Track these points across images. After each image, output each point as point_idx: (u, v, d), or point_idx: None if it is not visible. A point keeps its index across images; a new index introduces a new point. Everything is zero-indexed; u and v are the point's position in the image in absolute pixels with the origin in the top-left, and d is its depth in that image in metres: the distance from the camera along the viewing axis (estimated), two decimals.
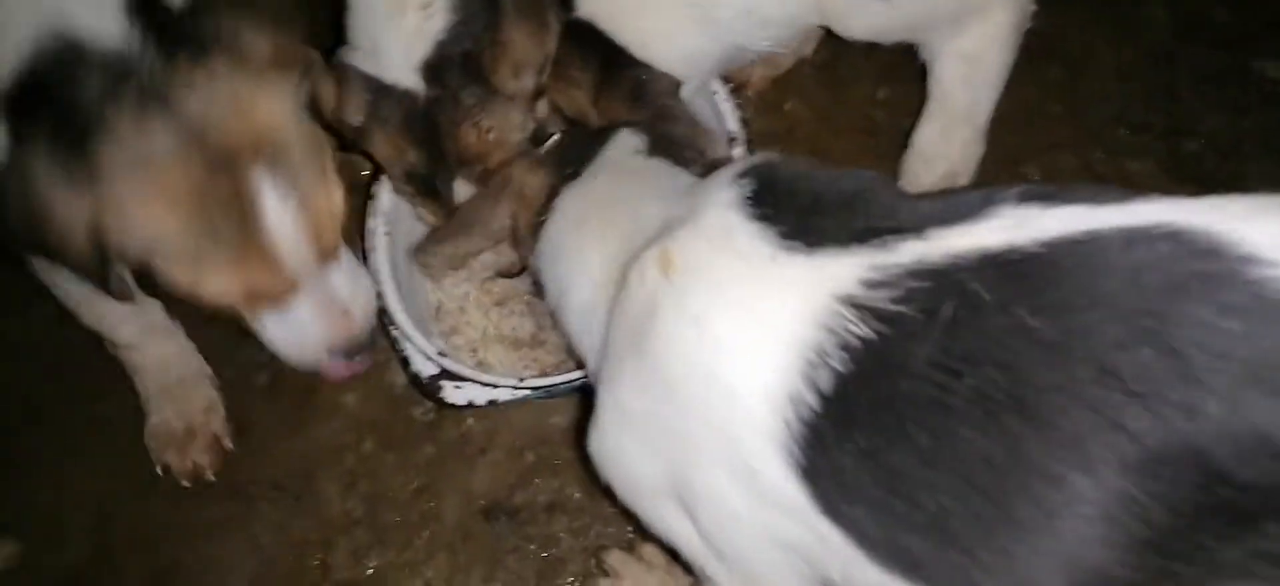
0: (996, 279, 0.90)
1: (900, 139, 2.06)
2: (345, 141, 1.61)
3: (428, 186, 1.61)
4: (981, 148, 1.91)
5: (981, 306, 0.90)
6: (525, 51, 1.53)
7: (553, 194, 1.41)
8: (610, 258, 1.29)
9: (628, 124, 1.48)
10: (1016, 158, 2.11)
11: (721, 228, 1.10)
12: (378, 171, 1.77)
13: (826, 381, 0.97)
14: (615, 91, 1.59)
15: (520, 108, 1.57)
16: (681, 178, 1.39)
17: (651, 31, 1.60)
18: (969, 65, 1.77)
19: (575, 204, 1.39)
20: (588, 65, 1.60)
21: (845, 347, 0.96)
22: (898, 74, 2.16)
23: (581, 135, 1.53)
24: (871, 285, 0.96)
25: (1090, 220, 0.90)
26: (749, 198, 1.11)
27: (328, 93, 1.47)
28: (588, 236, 1.34)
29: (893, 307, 0.94)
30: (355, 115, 1.53)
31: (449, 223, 1.56)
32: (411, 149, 1.55)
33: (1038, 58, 2.13)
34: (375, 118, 1.53)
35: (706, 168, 1.42)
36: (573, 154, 1.45)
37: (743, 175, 1.15)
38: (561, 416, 1.91)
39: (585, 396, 1.71)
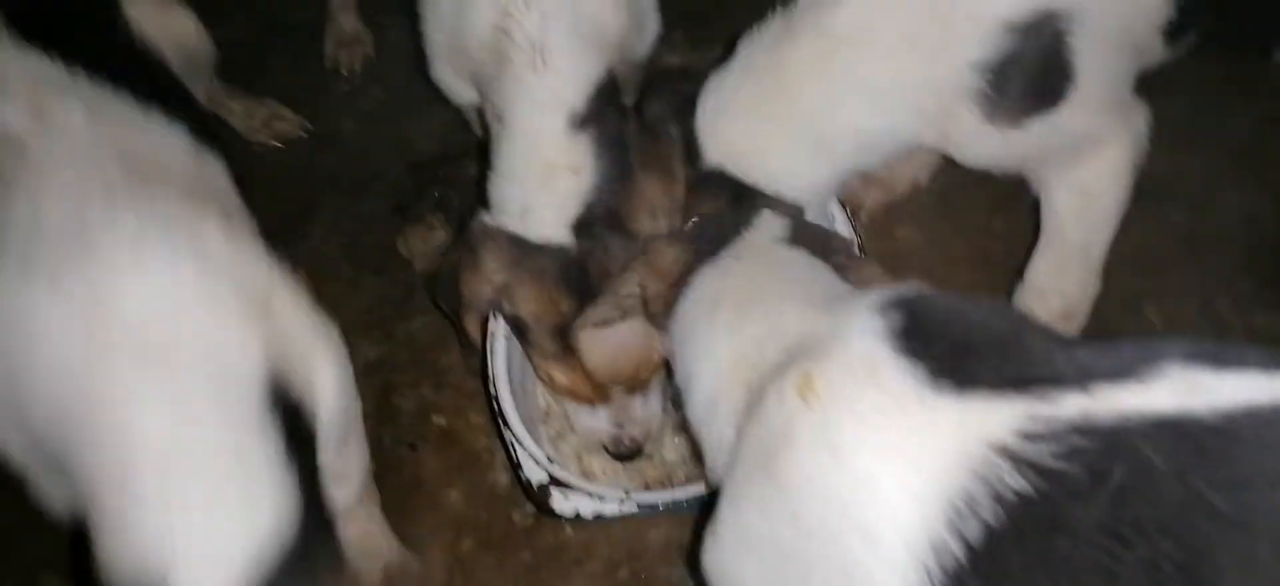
0: (1171, 446, 0.87)
1: (1015, 272, 2.03)
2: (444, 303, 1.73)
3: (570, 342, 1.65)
4: (1097, 286, 1.87)
5: (1154, 473, 0.86)
6: (657, 198, 1.61)
7: (688, 270, 1.42)
8: (740, 353, 1.29)
9: (772, 206, 1.51)
10: (1137, 300, 2.06)
11: (867, 359, 1.08)
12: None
13: (975, 532, 0.93)
14: (718, 190, 1.65)
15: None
16: (822, 276, 1.39)
17: (777, 169, 1.65)
18: (1083, 199, 1.75)
19: (711, 285, 1.39)
20: (719, 201, 1.66)
21: (998, 499, 0.92)
22: (1013, 205, 2.14)
23: (724, 216, 1.56)
24: (1030, 437, 0.93)
25: (1268, 390, 0.87)
26: (897, 331, 1.09)
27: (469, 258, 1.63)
28: (719, 324, 1.34)
29: (1054, 463, 0.90)
30: (497, 274, 1.62)
31: (599, 300, 1.58)
32: (565, 299, 1.61)
33: (1158, 198, 2.11)
34: (523, 274, 1.61)
35: (845, 266, 1.43)
36: (713, 233, 1.47)
37: (890, 305, 1.13)
38: (658, 531, 1.89)
39: (689, 514, 1.70)
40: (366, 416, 2.05)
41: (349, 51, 2.66)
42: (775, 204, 1.62)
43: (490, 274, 1.62)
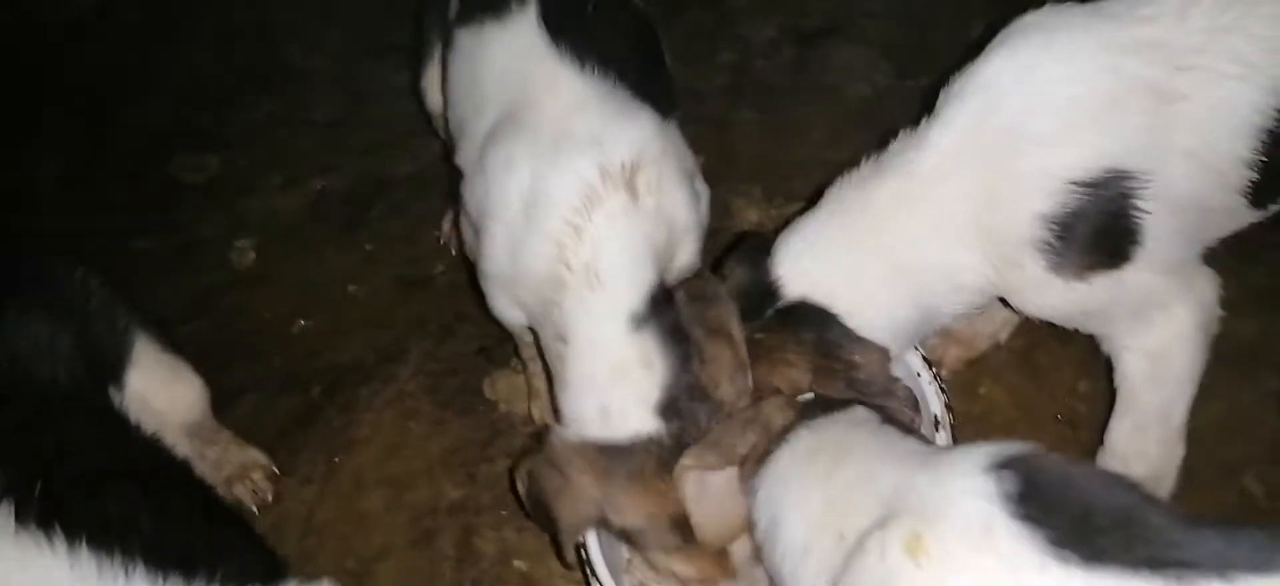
0: None
1: (1102, 434, 2.00)
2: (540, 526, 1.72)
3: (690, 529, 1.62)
4: (1181, 450, 1.83)
5: None
6: (730, 362, 1.64)
7: (794, 429, 1.45)
8: (831, 501, 1.30)
9: (861, 403, 1.54)
10: (1234, 468, 2.01)
11: (980, 522, 1.07)
12: None
13: None
14: (832, 380, 1.65)
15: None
16: (913, 444, 1.40)
17: (861, 298, 1.68)
18: (1152, 363, 1.75)
19: (807, 440, 1.42)
20: (803, 348, 1.68)
21: None
22: (1099, 368, 2.13)
23: (819, 400, 1.58)
24: None
25: None
26: (1012, 494, 1.08)
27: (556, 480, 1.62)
28: (814, 473, 1.36)
29: None
30: (593, 489, 1.61)
31: (703, 440, 1.59)
32: (673, 487, 1.59)
33: (1250, 363, 2.08)
34: (621, 480, 1.61)
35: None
36: (816, 407, 1.50)
37: (1002, 466, 1.12)
38: None
39: None
40: (446, 558, 2.10)
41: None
42: (863, 352, 1.64)
43: (586, 491, 1.61)
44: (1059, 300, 1.65)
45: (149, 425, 1.69)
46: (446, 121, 2.14)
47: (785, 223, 2.56)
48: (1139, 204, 1.55)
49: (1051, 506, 1.06)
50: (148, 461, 1.60)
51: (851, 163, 2.77)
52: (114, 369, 1.74)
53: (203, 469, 2.15)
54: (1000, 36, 1.64)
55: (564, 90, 1.78)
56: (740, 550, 1.64)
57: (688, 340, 1.65)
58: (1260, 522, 1.01)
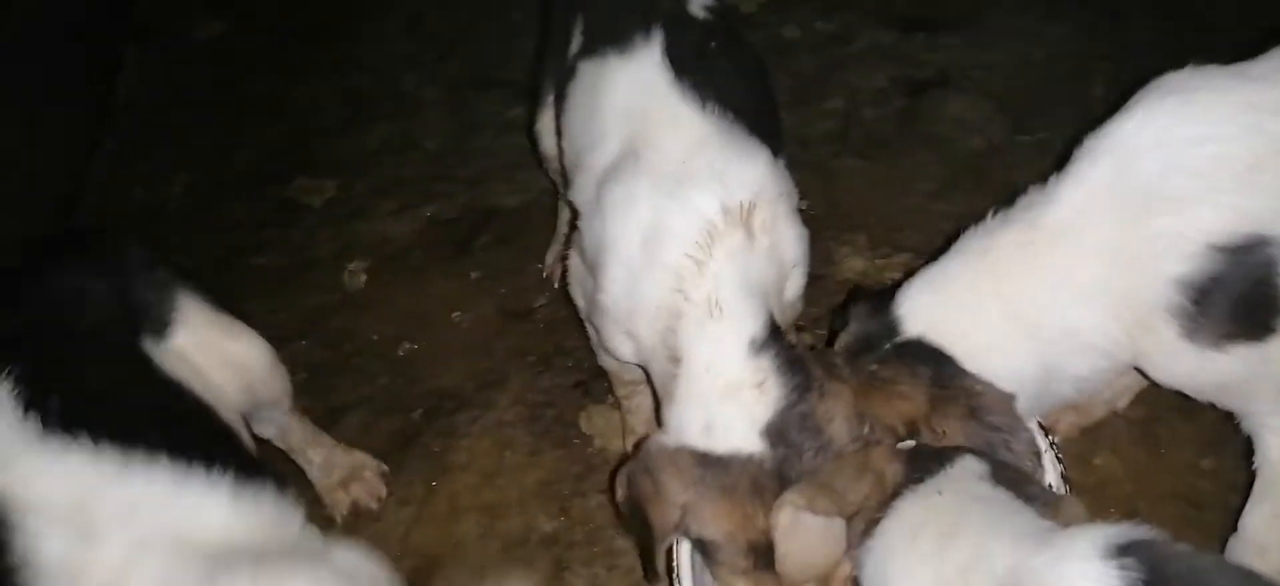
0: None
1: (1227, 517, 1.89)
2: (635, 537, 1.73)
3: (769, 556, 1.58)
4: None
5: None
6: (850, 404, 1.62)
7: (903, 491, 1.41)
8: (943, 581, 1.27)
9: (971, 451, 1.49)
10: None
11: None
12: None
13: None
14: (951, 407, 1.62)
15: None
16: (1027, 517, 1.34)
17: (980, 344, 1.64)
18: None
19: (914, 511, 1.38)
20: (918, 380, 1.65)
21: None
22: (1225, 443, 2.03)
23: (926, 450, 1.54)
24: None
25: None
26: (1133, 583, 1.06)
27: (647, 484, 1.63)
28: (921, 549, 1.32)
29: None
30: (681, 494, 1.60)
31: (813, 479, 1.55)
32: (760, 513, 1.57)
33: None
34: (710, 490, 1.60)
35: (1045, 505, 1.38)
36: (920, 462, 1.46)
37: (1122, 552, 1.09)
38: None
39: None
40: None
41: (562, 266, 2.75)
42: (985, 386, 1.61)
43: (673, 496, 1.60)
44: (1194, 369, 1.58)
45: (199, 385, 1.75)
46: (561, 160, 2.18)
47: (892, 272, 2.57)
48: None
49: None
50: (169, 401, 1.67)
51: (962, 215, 2.72)
52: (157, 324, 1.78)
53: (311, 473, 2.29)
54: (1138, 95, 1.60)
55: (685, 128, 1.80)
56: None
57: (805, 373, 1.64)
58: None
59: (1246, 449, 1.77)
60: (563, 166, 2.14)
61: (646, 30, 1.89)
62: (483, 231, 2.97)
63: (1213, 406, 1.71)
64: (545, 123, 2.38)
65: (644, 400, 2.18)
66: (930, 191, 2.84)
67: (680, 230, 1.70)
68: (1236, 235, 1.47)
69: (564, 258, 2.72)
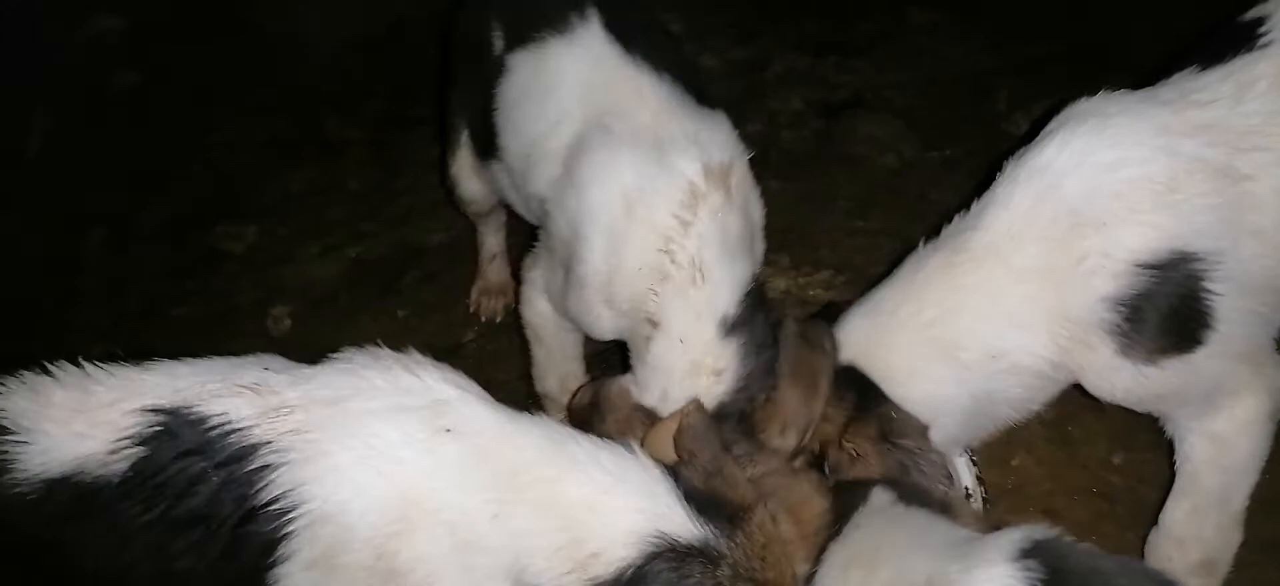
0: None
1: (1140, 509, 1.98)
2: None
3: None
4: (1239, 536, 1.80)
5: None
6: (794, 414, 1.67)
7: (831, 531, 1.47)
8: None
9: (878, 483, 1.55)
10: (1276, 546, 1.97)
11: None
12: None
13: None
14: (864, 428, 1.67)
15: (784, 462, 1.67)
16: (942, 528, 1.42)
17: (904, 370, 1.69)
18: (1218, 447, 1.72)
19: (842, 552, 1.43)
20: (841, 405, 1.70)
21: None
22: (1134, 440, 2.12)
23: (836, 492, 1.59)
24: None
25: None
26: (1033, 583, 1.11)
27: (596, 419, 1.72)
28: (851, 581, 1.38)
29: None
30: (619, 428, 1.71)
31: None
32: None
33: None
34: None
35: (954, 512, 1.44)
36: (847, 498, 1.52)
37: (1026, 556, 1.14)
38: None
39: None
40: None
41: (491, 301, 2.78)
42: (899, 412, 1.65)
43: (610, 433, 1.67)
44: (1131, 384, 1.64)
45: None
46: (500, 168, 2.15)
47: (814, 289, 2.63)
48: (1210, 286, 1.55)
49: None
50: None
51: (877, 232, 2.80)
52: None
53: None
54: (1055, 121, 1.66)
55: (649, 96, 1.86)
56: None
57: (771, 369, 1.71)
58: None
59: (1157, 442, 1.85)
60: (509, 169, 2.12)
61: (580, 10, 1.94)
62: (409, 270, 2.96)
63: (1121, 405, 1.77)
64: (461, 163, 2.40)
65: None
66: (848, 209, 2.91)
67: (665, 191, 1.75)
68: (1160, 252, 1.54)
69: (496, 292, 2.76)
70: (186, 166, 3.55)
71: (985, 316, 1.64)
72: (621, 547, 1.40)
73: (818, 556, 1.46)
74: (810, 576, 1.44)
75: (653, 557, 1.39)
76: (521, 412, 1.53)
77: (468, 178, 2.39)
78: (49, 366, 1.44)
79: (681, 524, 1.42)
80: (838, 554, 1.43)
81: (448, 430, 1.41)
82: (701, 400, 1.67)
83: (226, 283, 3.04)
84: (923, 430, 1.65)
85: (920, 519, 1.45)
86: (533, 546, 1.42)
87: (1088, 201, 1.57)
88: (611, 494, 1.43)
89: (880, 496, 1.51)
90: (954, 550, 1.30)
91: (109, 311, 2.90)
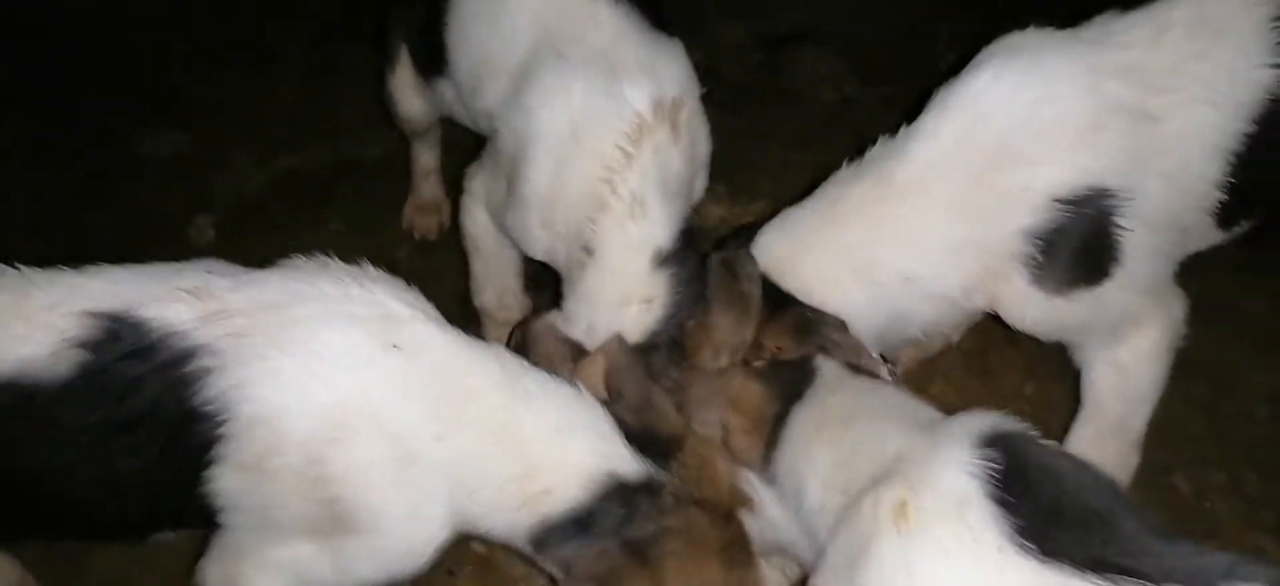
0: None
1: (1048, 435, 2.02)
2: None
3: None
4: (1136, 459, 1.92)
5: None
6: (726, 336, 1.70)
7: (776, 414, 1.53)
8: (840, 460, 1.41)
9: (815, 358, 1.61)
10: (1165, 469, 2.11)
11: (958, 495, 1.16)
12: None
13: None
14: (781, 323, 1.72)
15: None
16: (908, 401, 1.52)
17: (812, 277, 1.73)
18: (1121, 376, 1.82)
19: (812, 415, 1.51)
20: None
21: None
22: (1045, 370, 2.23)
23: (784, 366, 1.65)
24: None
25: None
26: (992, 473, 1.17)
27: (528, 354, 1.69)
28: (822, 441, 1.46)
29: None
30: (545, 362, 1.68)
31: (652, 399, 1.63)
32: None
33: (1181, 373, 2.17)
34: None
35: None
36: (786, 378, 1.57)
37: (991, 444, 1.20)
38: None
39: None
40: None
41: (425, 219, 2.75)
42: (816, 311, 1.70)
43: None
44: (1041, 314, 1.71)
45: None
46: (447, 83, 2.12)
47: (749, 219, 2.66)
48: (1119, 222, 1.61)
49: (1027, 492, 1.14)
50: None
51: (815, 164, 2.83)
52: None
53: None
54: (984, 55, 1.70)
55: (605, 22, 1.84)
56: None
57: (700, 297, 1.73)
58: (1196, 524, 1.08)
59: (1065, 372, 1.94)
60: (456, 85, 2.09)
61: None
62: (342, 183, 2.91)
63: (1033, 337, 1.85)
64: (400, 79, 2.35)
65: None
66: (788, 142, 2.94)
67: (612, 120, 1.74)
68: (1077, 189, 1.59)
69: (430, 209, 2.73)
70: (110, 64, 3.39)
71: (903, 243, 1.69)
72: (574, 486, 1.45)
73: (771, 438, 1.52)
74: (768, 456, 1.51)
75: (602, 497, 1.44)
76: (474, 338, 1.54)
77: (407, 94, 2.35)
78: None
79: (627, 461, 1.47)
80: (805, 417, 1.50)
81: (396, 347, 1.41)
82: (629, 330, 1.69)
83: (152, 190, 2.94)
84: (839, 323, 1.69)
85: (883, 389, 1.53)
86: (481, 474, 1.45)
87: (1013, 136, 1.62)
88: (564, 431, 1.47)
89: (828, 366, 1.58)
90: (920, 426, 1.38)
91: (20, 213, 2.79)
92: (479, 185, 2.07)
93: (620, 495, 1.45)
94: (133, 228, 2.82)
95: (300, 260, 1.52)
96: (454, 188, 2.70)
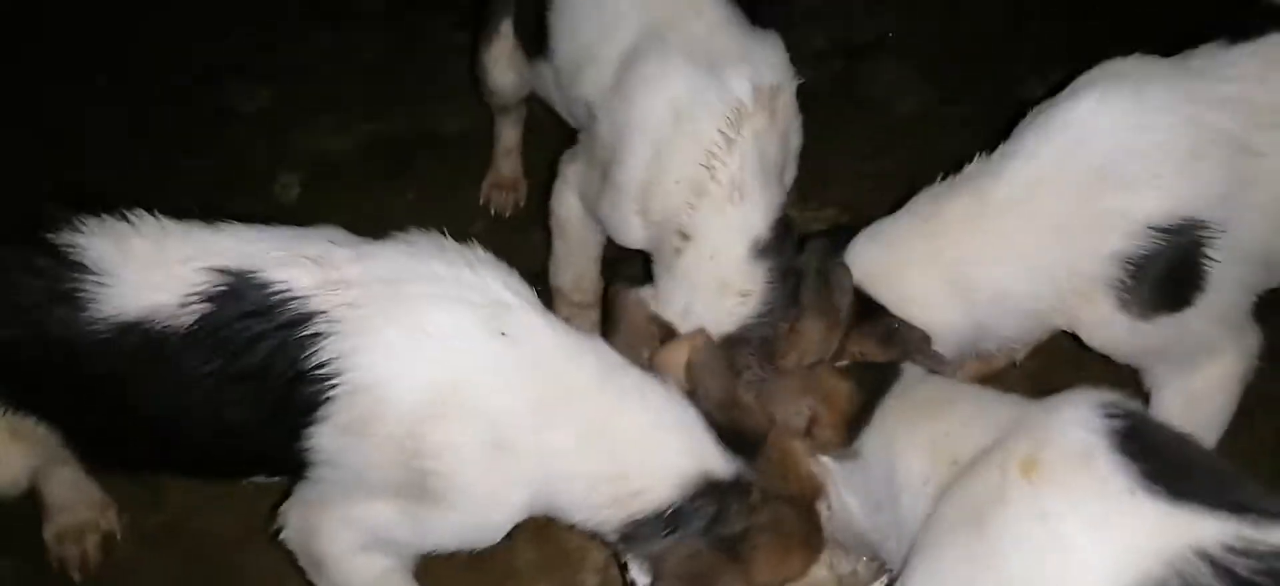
0: None
1: None
2: None
3: None
4: None
5: None
6: (815, 344, 1.74)
7: (863, 410, 1.57)
8: (948, 435, 1.45)
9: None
10: None
11: (1083, 449, 1.21)
12: None
13: None
14: (869, 332, 1.75)
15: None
16: (1008, 398, 1.54)
17: (906, 288, 1.77)
18: (1190, 404, 1.82)
19: (906, 403, 1.56)
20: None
21: None
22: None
23: (867, 364, 1.70)
24: (1236, 551, 1.06)
25: None
26: (1117, 431, 1.22)
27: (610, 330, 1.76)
28: (922, 419, 1.51)
29: (1254, 578, 1.04)
30: (629, 347, 1.73)
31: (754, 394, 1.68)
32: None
33: (1250, 411, 2.15)
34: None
35: None
36: (871, 375, 1.62)
37: (1111, 411, 1.26)
38: None
39: None
40: None
41: (502, 195, 2.80)
42: (902, 323, 1.73)
43: (625, 346, 1.71)
44: (1122, 337, 1.73)
45: None
46: (543, 69, 2.16)
47: (818, 224, 2.68)
48: (1209, 252, 1.63)
49: (1151, 451, 1.19)
50: None
51: (887, 175, 2.85)
52: None
53: None
54: (1086, 79, 1.72)
55: (707, 12, 1.88)
56: None
57: (794, 298, 1.76)
58: None
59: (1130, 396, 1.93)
60: (555, 69, 2.11)
61: None
62: (421, 153, 2.97)
63: (1100, 359, 1.86)
64: (498, 53, 2.39)
65: (585, 324, 2.25)
66: (863, 152, 2.95)
67: (713, 106, 1.78)
68: (1173, 217, 1.61)
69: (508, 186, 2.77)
70: (207, 19, 3.49)
71: (1001, 259, 1.72)
72: (666, 488, 1.49)
73: (855, 432, 1.57)
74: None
75: (694, 496, 1.48)
76: (577, 331, 1.58)
77: (502, 68, 2.39)
78: (129, 215, 1.50)
79: (718, 461, 1.51)
80: (898, 405, 1.55)
81: (502, 333, 1.46)
82: (724, 320, 1.73)
83: (238, 143, 3.03)
84: (925, 338, 1.73)
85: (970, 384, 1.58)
86: (572, 470, 1.50)
87: (1113, 161, 1.64)
88: (659, 434, 1.51)
89: (913, 369, 1.63)
90: (1022, 405, 1.44)
91: (115, 166, 2.89)
92: (573, 171, 2.12)
93: (711, 493, 1.49)
94: (220, 175, 2.91)
95: (417, 235, 1.57)
96: (532, 168, 2.78)
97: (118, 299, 1.44)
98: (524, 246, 2.61)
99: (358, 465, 1.50)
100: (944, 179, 1.82)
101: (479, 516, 1.53)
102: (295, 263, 1.47)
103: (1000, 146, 1.77)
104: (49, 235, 1.47)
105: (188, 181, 2.89)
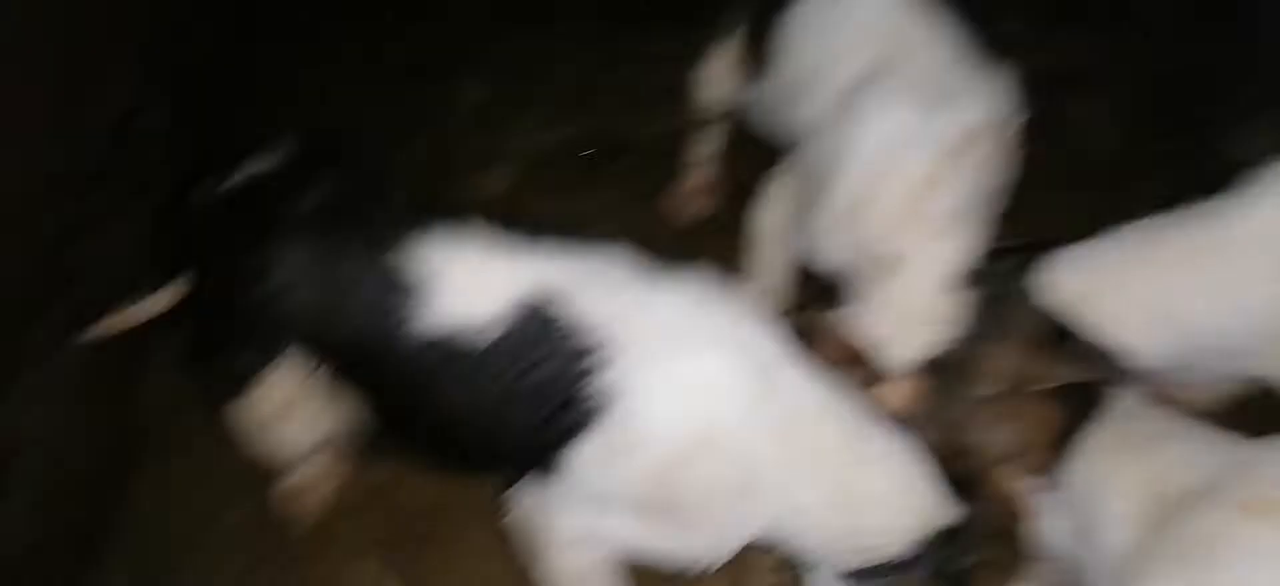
0: None
1: None
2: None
3: None
4: None
5: None
6: (1009, 369, 1.80)
7: (1071, 427, 1.64)
8: (1158, 474, 1.51)
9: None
10: None
11: None
12: None
13: None
14: (1065, 356, 1.79)
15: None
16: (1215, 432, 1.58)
17: (1116, 316, 1.80)
18: None
19: (1115, 436, 1.62)
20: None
21: None
22: None
23: (1073, 390, 1.75)
24: None
25: None
26: None
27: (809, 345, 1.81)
28: (1127, 456, 1.57)
29: None
30: (828, 360, 1.80)
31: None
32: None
33: None
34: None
35: None
36: (1076, 401, 1.68)
37: None
38: None
39: None
40: None
41: (693, 203, 2.91)
42: (1098, 353, 1.77)
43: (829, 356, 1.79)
44: None
45: None
46: (768, 86, 2.22)
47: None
48: None
49: None
50: None
51: (1074, 211, 2.81)
52: None
53: None
54: None
55: (939, 46, 1.95)
56: None
57: (988, 326, 1.83)
58: None
59: None
60: (774, 87, 2.17)
61: None
62: (621, 156, 3.12)
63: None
64: (724, 63, 2.43)
65: None
66: (1044, 182, 2.86)
67: (932, 141, 1.83)
68: None
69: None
70: (427, 12, 3.71)
71: (1223, 303, 1.76)
72: (898, 545, 1.59)
73: (1062, 458, 1.64)
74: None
75: (923, 544, 1.58)
76: (836, 385, 1.67)
77: (722, 76, 2.45)
78: (459, 218, 1.68)
79: (948, 510, 1.59)
80: (1107, 438, 1.61)
81: (765, 386, 1.57)
82: (921, 349, 1.80)
83: (454, 135, 3.25)
84: (1117, 361, 1.78)
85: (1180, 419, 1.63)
86: (810, 522, 1.61)
87: None
88: (897, 496, 1.60)
89: (1123, 398, 1.68)
90: (1234, 445, 1.51)
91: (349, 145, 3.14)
92: (782, 189, 2.20)
93: (940, 539, 1.58)
94: (435, 165, 3.13)
95: (704, 280, 1.68)
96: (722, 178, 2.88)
97: (440, 307, 1.61)
98: (709, 255, 2.72)
99: (609, 483, 1.63)
100: (1139, 218, 1.85)
101: (713, 544, 1.66)
102: (594, 291, 1.60)
103: (1214, 195, 1.81)
104: (395, 244, 1.65)
105: (405, 169, 3.07)
